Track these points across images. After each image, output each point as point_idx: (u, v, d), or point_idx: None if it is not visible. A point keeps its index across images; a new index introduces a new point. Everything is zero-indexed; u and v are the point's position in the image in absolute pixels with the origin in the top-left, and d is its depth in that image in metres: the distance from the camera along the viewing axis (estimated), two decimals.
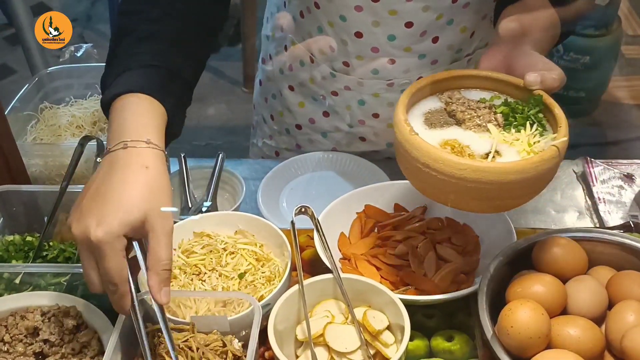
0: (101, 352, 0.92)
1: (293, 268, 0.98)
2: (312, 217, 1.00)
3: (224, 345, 0.89)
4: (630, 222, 1.18)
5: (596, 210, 1.24)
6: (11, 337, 0.92)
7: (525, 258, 0.97)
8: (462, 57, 1.24)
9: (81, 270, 0.94)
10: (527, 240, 0.98)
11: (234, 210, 1.17)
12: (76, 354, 0.91)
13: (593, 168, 1.31)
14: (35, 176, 1.13)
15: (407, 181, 0.93)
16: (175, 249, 1.05)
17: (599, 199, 1.25)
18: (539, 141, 0.87)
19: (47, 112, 1.21)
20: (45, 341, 0.92)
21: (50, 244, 1.06)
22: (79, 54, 1.31)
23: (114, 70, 0.94)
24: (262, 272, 1.02)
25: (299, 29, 1.27)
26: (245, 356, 0.87)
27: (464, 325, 0.99)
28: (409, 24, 1.16)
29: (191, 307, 0.95)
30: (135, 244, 0.82)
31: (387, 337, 0.93)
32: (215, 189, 1.21)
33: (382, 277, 1.03)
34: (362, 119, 1.32)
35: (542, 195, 1.27)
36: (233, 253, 1.05)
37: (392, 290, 0.95)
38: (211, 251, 1.05)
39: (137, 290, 0.84)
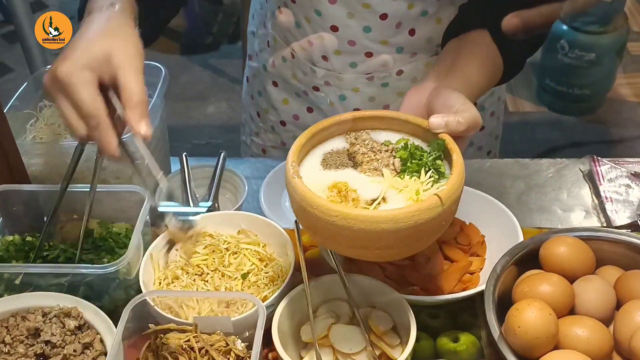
0: (103, 353, 0.92)
1: (297, 268, 0.99)
2: None
3: (227, 346, 0.89)
4: (638, 221, 1.18)
5: (603, 209, 1.24)
6: (12, 338, 0.92)
7: (532, 258, 0.97)
8: None
9: (82, 271, 0.96)
10: (534, 239, 0.98)
11: (236, 209, 1.17)
12: (78, 355, 0.91)
13: (600, 167, 1.31)
14: (35, 175, 1.12)
15: None
16: (177, 250, 1.06)
17: (606, 198, 1.25)
18: (429, 189, 0.85)
19: (46, 110, 1.21)
20: (47, 342, 0.92)
21: (51, 244, 1.06)
22: None
23: None
24: (266, 273, 1.02)
25: (278, 25, 1.29)
26: (249, 357, 0.87)
27: (470, 325, 0.99)
28: (383, 16, 1.18)
29: (194, 308, 0.95)
30: (110, 92, 0.89)
31: (393, 337, 0.93)
32: (217, 188, 1.21)
33: (386, 276, 1.03)
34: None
35: (548, 194, 1.29)
36: (236, 253, 1.05)
37: (397, 290, 0.96)
38: (214, 251, 1.05)
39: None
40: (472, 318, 0.99)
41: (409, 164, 0.88)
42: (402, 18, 1.19)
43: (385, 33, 1.21)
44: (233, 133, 1.67)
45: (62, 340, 0.92)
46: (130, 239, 1.00)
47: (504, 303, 0.91)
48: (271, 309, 0.93)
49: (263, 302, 0.93)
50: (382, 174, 0.88)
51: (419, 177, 0.87)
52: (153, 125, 1.11)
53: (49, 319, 0.94)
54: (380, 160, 0.90)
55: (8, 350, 0.91)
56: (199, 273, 1.02)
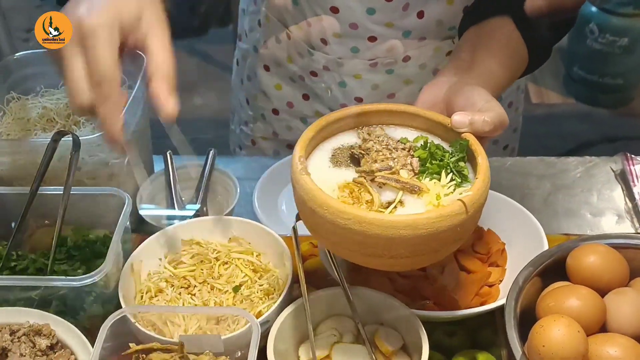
0: None
1: (295, 280, 0.99)
2: None
3: None
4: None
5: (637, 214, 1.24)
6: None
7: (558, 268, 0.97)
8: (456, 35, 1.24)
9: (54, 283, 0.95)
10: (560, 247, 0.98)
11: (226, 214, 1.17)
12: None
13: (633, 165, 1.31)
14: (1, 176, 1.13)
15: None
16: (160, 259, 1.06)
17: None
18: (450, 193, 0.85)
19: (14, 103, 1.21)
20: None
21: (19, 253, 1.06)
22: None
23: None
24: (260, 285, 1.02)
25: (273, 2, 1.29)
26: None
27: (489, 344, 0.99)
28: None
29: (180, 325, 0.95)
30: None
31: (402, 358, 0.93)
32: (206, 190, 1.21)
33: (396, 289, 1.03)
34: (345, 102, 1.33)
35: (575, 196, 1.30)
36: (227, 263, 1.05)
37: (407, 304, 0.96)
38: (202, 261, 1.05)
39: None
40: (492, 335, 0.99)
41: (428, 165, 0.89)
42: None
43: (391, 15, 1.21)
44: (223, 128, 1.67)
45: None
46: (108, 247, 1.00)
47: (527, 319, 0.91)
48: (266, 326, 0.93)
49: (257, 318, 0.93)
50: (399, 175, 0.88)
51: (439, 180, 0.87)
52: (134, 120, 1.12)
53: (18, 338, 0.94)
54: (396, 160, 0.90)
55: None
56: (186, 286, 1.02)
